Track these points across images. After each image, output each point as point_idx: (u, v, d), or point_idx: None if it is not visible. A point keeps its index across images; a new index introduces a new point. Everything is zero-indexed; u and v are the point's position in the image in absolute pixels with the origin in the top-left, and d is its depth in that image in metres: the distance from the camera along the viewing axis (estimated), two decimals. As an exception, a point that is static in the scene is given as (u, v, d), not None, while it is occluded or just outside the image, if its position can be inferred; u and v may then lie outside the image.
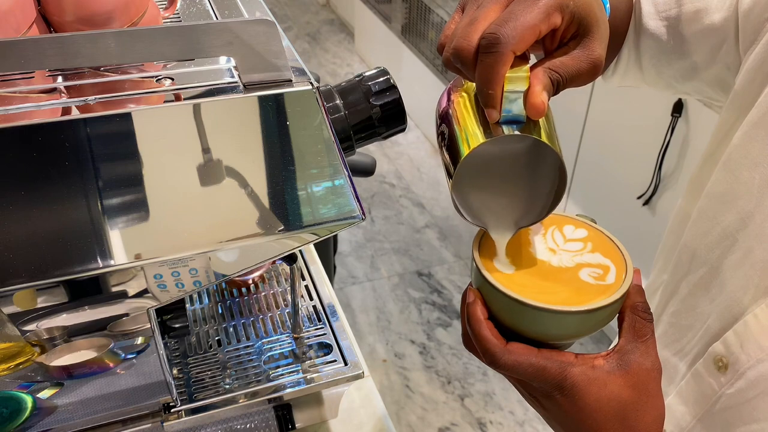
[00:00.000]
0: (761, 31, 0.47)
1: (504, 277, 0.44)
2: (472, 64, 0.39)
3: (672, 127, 1.51)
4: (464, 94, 0.45)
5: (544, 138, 0.40)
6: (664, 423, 0.43)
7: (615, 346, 0.42)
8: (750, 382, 0.44)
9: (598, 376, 0.41)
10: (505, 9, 0.39)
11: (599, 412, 0.41)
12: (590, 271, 0.44)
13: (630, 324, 0.42)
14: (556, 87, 0.40)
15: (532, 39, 0.39)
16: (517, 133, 0.40)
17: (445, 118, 0.46)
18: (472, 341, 0.44)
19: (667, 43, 0.54)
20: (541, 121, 0.41)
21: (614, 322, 0.44)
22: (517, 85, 0.39)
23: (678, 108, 1.49)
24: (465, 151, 0.41)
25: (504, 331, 0.44)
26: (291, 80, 0.47)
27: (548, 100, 0.40)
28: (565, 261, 0.45)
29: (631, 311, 0.42)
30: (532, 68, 0.40)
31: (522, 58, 0.39)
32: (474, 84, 0.44)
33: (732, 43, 0.50)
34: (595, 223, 0.48)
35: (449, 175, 0.43)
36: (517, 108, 0.40)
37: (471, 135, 0.42)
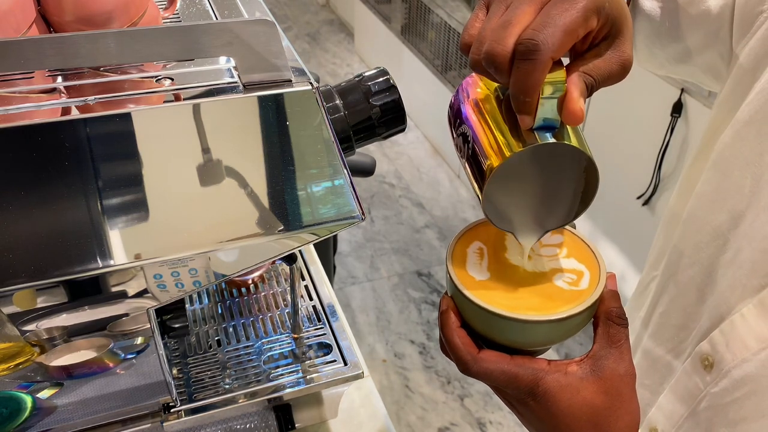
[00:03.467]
0: (754, 24, 0.47)
1: (477, 284, 0.44)
2: (508, 70, 0.37)
3: (672, 127, 1.51)
4: (488, 94, 0.44)
5: (575, 142, 0.39)
6: (638, 428, 0.43)
7: (589, 352, 0.42)
8: (734, 381, 0.44)
9: (571, 383, 0.41)
10: (539, 10, 0.37)
11: (572, 418, 0.41)
12: (564, 276, 0.44)
13: (604, 330, 0.42)
14: (590, 91, 0.39)
15: (570, 44, 0.37)
16: (553, 140, 0.39)
17: (467, 121, 0.44)
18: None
19: (661, 25, 0.53)
20: None
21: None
22: (553, 91, 0.38)
23: (677, 108, 1.49)
24: (497, 160, 0.40)
25: (479, 338, 0.44)
26: (291, 80, 0.47)
27: (584, 105, 0.39)
28: (539, 266, 0.45)
29: (605, 317, 0.42)
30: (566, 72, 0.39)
31: (557, 62, 0.38)
32: (495, 84, 0.43)
33: (726, 32, 0.50)
34: (575, 227, 0.48)
35: (478, 181, 0.42)
36: (551, 114, 0.39)
37: (504, 143, 0.40)
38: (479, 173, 0.42)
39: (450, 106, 0.47)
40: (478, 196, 0.42)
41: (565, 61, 0.41)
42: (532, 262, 0.46)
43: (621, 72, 0.40)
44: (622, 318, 0.42)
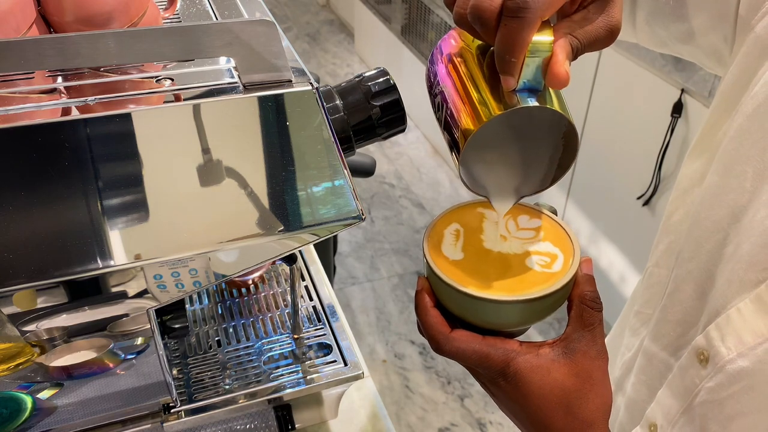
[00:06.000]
0: (761, 10, 0.46)
1: (451, 264, 0.44)
2: (494, 27, 0.36)
3: (672, 128, 1.51)
4: (468, 53, 0.42)
5: (557, 107, 0.38)
6: (609, 411, 0.43)
7: (562, 334, 0.43)
8: (730, 376, 0.44)
9: (542, 364, 0.42)
10: None
11: (543, 399, 0.42)
12: (538, 258, 0.45)
13: (577, 313, 0.43)
14: (575, 54, 0.38)
15: (561, 4, 0.36)
16: (536, 104, 0.37)
17: (445, 81, 0.42)
18: None
19: (665, 4, 0.53)
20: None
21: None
22: (539, 52, 0.36)
23: (678, 108, 1.49)
24: (477, 123, 0.38)
25: (455, 320, 0.44)
26: (291, 81, 0.47)
27: (570, 68, 0.37)
28: (514, 248, 0.46)
29: (579, 300, 0.43)
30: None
31: (544, 22, 0.37)
32: (476, 41, 0.42)
33: (732, 14, 0.49)
34: (556, 213, 0.48)
35: (454, 144, 0.41)
36: (536, 76, 0.37)
37: (483, 105, 0.39)
38: (456, 135, 0.40)
39: (427, 68, 0.46)
40: (454, 158, 0.42)
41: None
42: (506, 244, 0.46)
43: (608, 37, 0.39)
44: (595, 302, 0.43)
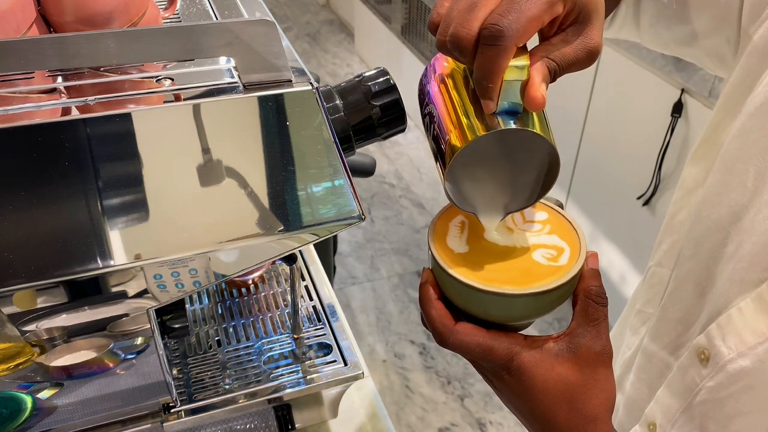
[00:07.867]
0: (764, 11, 0.46)
1: (456, 256, 0.44)
2: (472, 54, 0.38)
3: (672, 128, 1.51)
4: (456, 75, 0.44)
5: (538, 129, 0.40)
6: (613, 406, 0.43)
7: (566, 329, 0.43)
8: (730, 375, 0.44)
9: (546, 358, 0.42)
10: None
11: (546, 394, 0.42)
12: (544, 252, 0.44)
13: (582, 308, 0.43)
14: (553, 77, 0.40)
15: (535, 30, 0.38)
16: (515, 126, 0.39)
17: (434, 101, 0.44)
18: None
19: (668, 6, 0.53)
20: None
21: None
22: (516, 75, 0.38)
23: (678, 108, 1.49)
24: (460, 144, 0.40)
25: (459, 313, 0.44)
26: (291, 80, 0.47)
27: (546, 90, 0.39)
28: (520, 241, 0.45)
29: (584, 295, 0.43)
30: (530, 56, 0.39)
31: (521, 47, 0.38)
32: (464, 65, 0.43)
33: (735, 17, 0.49)
34: (562, 207, 0.48)
35: (441, 162, 0.42)
36: (514, 98, 0.39)
37: (467, 127, 0.40)
38: (443, 154, 0.42)
39: (419, 85, 0.47)
40: (441, 176, 0.43)
41: (534, 43, 0.41)
42: (512, 236, 0.46)
43: (587, 59, 0.40)
44: (600, 296, 0.43)
